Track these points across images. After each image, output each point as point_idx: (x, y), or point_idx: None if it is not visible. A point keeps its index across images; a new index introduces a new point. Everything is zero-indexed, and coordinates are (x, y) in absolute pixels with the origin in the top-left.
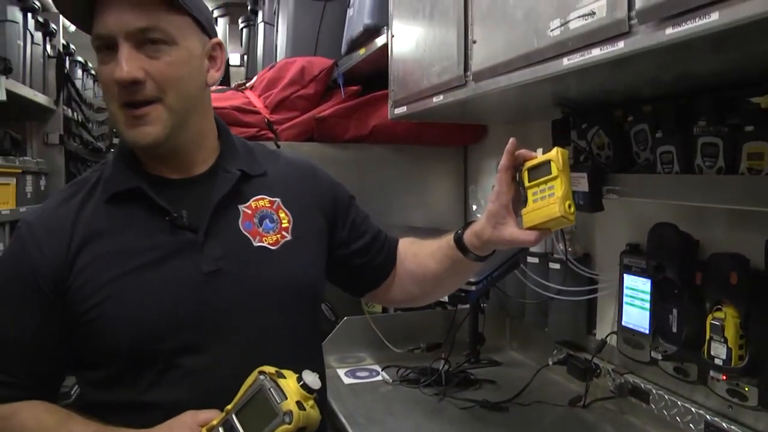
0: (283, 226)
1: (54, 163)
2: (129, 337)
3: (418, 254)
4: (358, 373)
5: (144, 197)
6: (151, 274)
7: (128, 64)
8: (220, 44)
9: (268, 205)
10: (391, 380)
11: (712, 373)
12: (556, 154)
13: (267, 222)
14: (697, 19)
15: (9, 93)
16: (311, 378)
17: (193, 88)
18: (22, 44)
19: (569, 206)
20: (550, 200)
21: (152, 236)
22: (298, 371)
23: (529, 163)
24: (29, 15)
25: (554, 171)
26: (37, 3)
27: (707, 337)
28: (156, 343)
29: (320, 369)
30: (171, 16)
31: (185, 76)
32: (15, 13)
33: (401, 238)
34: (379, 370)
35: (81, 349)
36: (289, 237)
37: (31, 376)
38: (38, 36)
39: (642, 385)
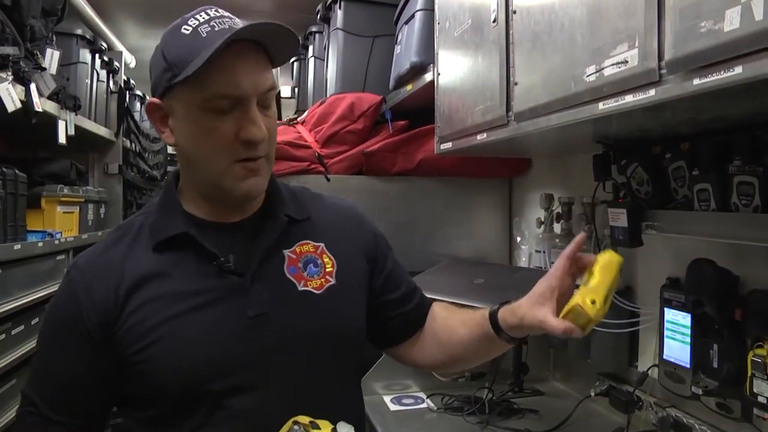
0: (327, 270)
1: (113, 191)
2: (177, 379)
3: (449, 318)
4: (404, 400)
5: (192, 242)
6: (198, 318)
7: (262, 124)
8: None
9: (312, 249)
10: (435, 408)
11: (756, 411)
12: (604, 254)
13: (311, 267)
14: (722, 72)
15: (76, 127)
16: (345, 430)
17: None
18: (89, 82)
19: (592, 301)
20: (579, 292)
21: (200, 280)
22: (336, 419)
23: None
24: (96, 55)
25: (594, 268)
26: (104, 44)
27: (749, 373)
28: (203, 386)
29: (360, 413)
30: (271, 71)
31: (276, 129)
32: (85, 55)
33: (435, 301)
34: (425, 397)
35: (129, 389)
36: (333, 281)
37: (78, 415)
38: (103, 74)
39: (684, 420)
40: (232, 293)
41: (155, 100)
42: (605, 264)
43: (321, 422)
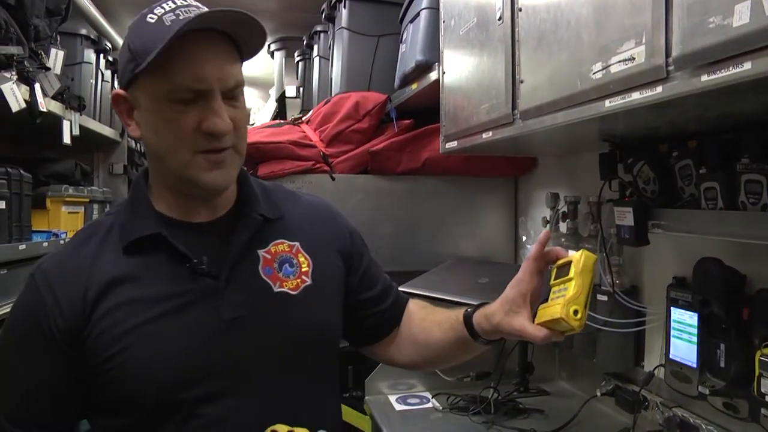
0: (303, 270)
1: (118, 191)
2: (150, 386)
3: (425, 320)
4: (409, 400)
5: (164, 243)
6: (171, 323)
7: (225, 115)
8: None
9: (288, 249)
10: (441, 407)
11: (763, 411)
12: (579, 256)
13: (287, 267)
14: (731, 68)
15: (81, 128)
16: None
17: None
18: (93, 82)
19: (575, 311)
20: (558, 300)
21: (172, 283)
22: (314, 424)
23: (559, 262)
24: (101, 55)
25: (571, 272)
26: (108, 44)
27: (757, 373)
28: (177, 393)
29: (338, 414)
30: (240, 64)
31: (246, 120)
32: (90, 55)
33: (412, 299)
34: (430, 397)
35: (99, 398)
36: (309, 281)
37: (43, 428)
38: (107, 74)
39: (691, 420)
40: (206, 296)
41: (120, 91)
42: (583, 267)
43: (299, 430)
